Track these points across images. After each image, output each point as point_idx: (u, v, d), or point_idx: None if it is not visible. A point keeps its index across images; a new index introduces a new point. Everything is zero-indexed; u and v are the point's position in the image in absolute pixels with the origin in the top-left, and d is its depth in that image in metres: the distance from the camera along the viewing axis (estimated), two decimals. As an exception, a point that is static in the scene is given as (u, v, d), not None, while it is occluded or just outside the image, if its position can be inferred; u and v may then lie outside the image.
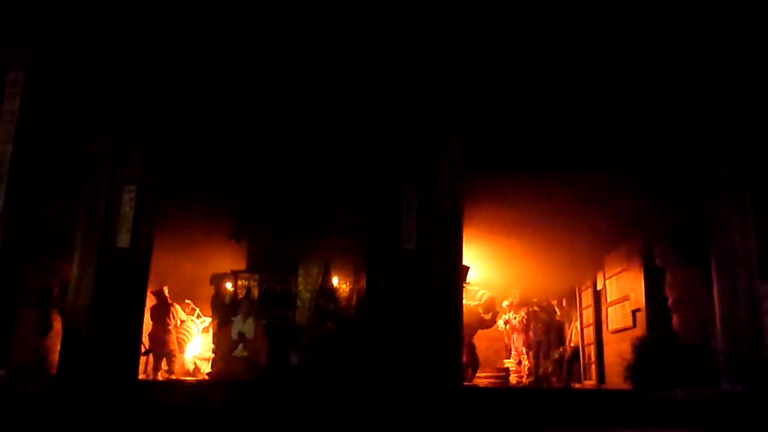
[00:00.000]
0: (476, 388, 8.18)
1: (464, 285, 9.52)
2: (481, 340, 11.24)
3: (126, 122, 6.92)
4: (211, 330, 10.34)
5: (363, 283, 9.27)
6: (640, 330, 8.50)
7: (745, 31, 5.93)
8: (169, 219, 7.59)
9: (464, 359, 9.65)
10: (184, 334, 10.06)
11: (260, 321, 8.60)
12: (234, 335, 8.18)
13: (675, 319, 7.46)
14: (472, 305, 9.98)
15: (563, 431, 5.53)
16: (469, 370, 9.72)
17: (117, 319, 6.68)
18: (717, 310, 6.38)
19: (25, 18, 6.32)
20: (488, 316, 10.01)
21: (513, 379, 10.53)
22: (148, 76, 6.81)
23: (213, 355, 9.28)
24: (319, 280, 9.58)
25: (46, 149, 6.72)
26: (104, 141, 6.87)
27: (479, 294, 10.24)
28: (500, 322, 11.18)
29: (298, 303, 9.60)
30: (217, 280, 9.79)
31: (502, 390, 8.72)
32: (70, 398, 6.09)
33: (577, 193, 7.91)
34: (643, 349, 7.62)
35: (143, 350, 9.21)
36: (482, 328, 10.24)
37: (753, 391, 5.92)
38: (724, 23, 5.86)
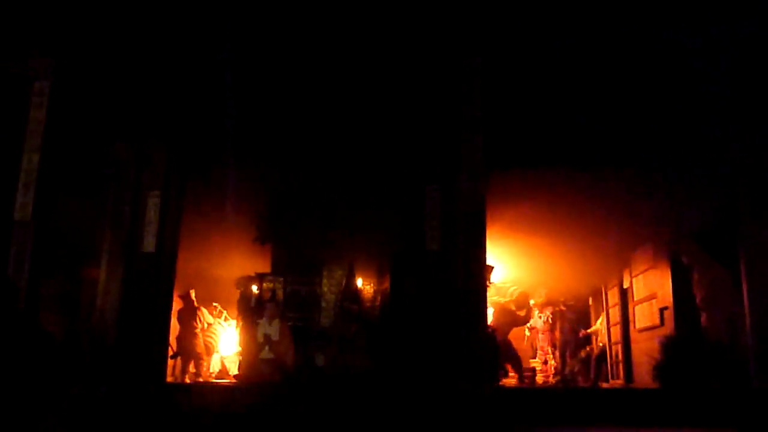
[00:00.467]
0: (502, 388, 8.13)
1: (489, 284, 9.52)
2: (505, 339, 11.19)
3: (150, 128, 7.01)
4: (237, 332, 10.42)
5: (387, 285, 9.29)
6: (668, 328, 8.39)
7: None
8: (194, 223, 7.66)
9: (501, 357, 9.62)
10: (211, 337, 10.13)
11: (285, 323, 8.64)
12: (260, 337, 8.23)
13: (703, 318, 7.35)
14: (503, 302, 9.91)
15: (590, 430, 5.47)
16: (508, 366, 9.64)
17: (144, 322, 6.77)
18: (746, 307, 6.28)
19: (49, 29, 6.42)
20: (522, 312, 9.87)
21: (539, 378, 10.43)
22: (171, 81, 6.88)
23: (240, 358, 9.35)
24: (344, 282, 9.61)
25: (72, 156, 6.82)
26: (129, 147, 6.97)
27: (510, 290, 10.14)
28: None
29: (323, 305, 9.63)
30: (243, 282, 9.86)
31: (529, 389, 8.66)
32: (98, 401, 6.19)
33: (602, 191, 7.83)
34: (671, 347, 7.51)
35: (171, 353, 9.32)
36: (516, 325, 10.08)
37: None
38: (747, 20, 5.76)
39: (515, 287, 10.06)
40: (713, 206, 7.37)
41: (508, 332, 9.71)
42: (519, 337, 11.38)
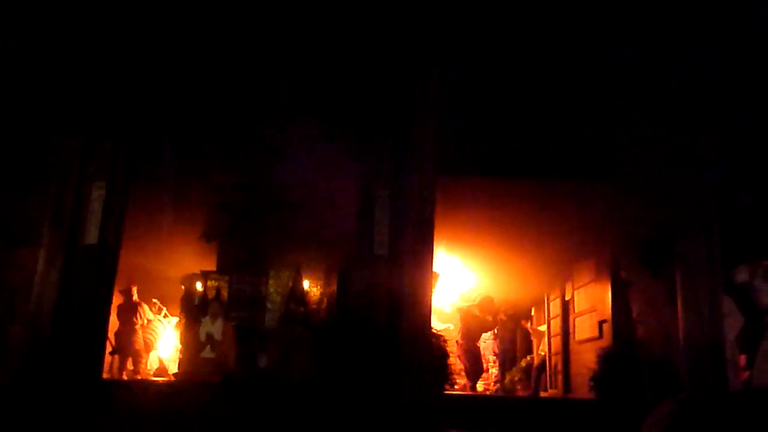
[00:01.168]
0: (443, 395, 8.18)
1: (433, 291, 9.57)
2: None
3: (96, 119, 6.83)
4: (178, 330, 10.25)
5: (334, 288, 9.27)
6: (606, 341, 8.61)
7: (715, 51, 6.06)
8: (138, 217, 7.50)
9: (465, 365, 9.65)
10: (150, 334, 9.95)
11: (229, 323, 8.55)
12: (202, 336, 8.13)
13: (640, 331, 7.57)
14: (466, 306, 9.88)
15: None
16: (470, 377, 9.66)
17: (83, 316, 6.58)
18: (681, 323, 6.50)
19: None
20: (489, 317, 9.81)
21: (480, 387, 10.57)
22: (119, 72, 6.74)
23: (180, 356, 9.21)
24: (290, 284, 9.55)
25: (13, 146, 6.62)
26: (74, 137, 6.78)
27: (473, 296, 10.13)
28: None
29: (269, 306, 9.53)
30: (187, 280, 9.71)
31: (468, 397, 8.76)
32: (31, 397, 6.00)
33: (548, 204, 8.00)
34: (607, 359, 7.72)
35: (110, 350, 9.11)
36: (484, 330, 10.01)
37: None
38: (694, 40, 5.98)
39: (479, 292, 10.03)
40: (653, 224, 7.62)
41: (476, 338, 9.67)
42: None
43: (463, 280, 10.52)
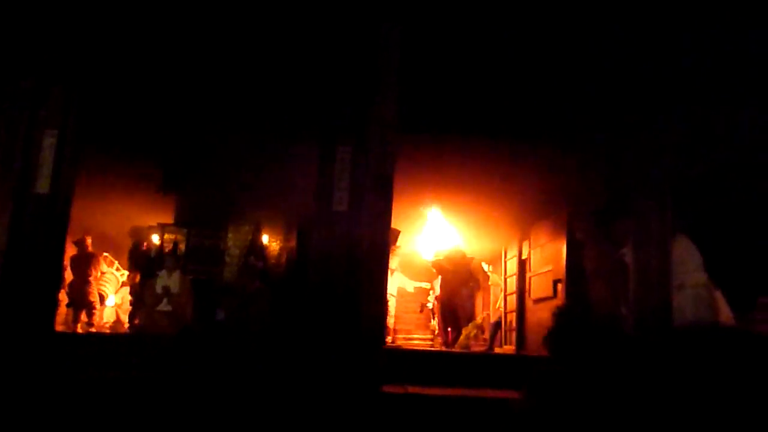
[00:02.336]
0: (398, 350, 8.32)
1: (395, 247, 9.61)
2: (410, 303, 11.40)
3: (48, 63, 6.58)
4: (129, 283, 10.17)
5: (293, 243, 9.26)
6: (560, 300, 8.82)
7: (677, 34, 6.09)
8: (92, 167, 7.32)
9: (439, 321, 9.66)
10: (104, 286, 9.83)
11: (186, 276, 8.49)
12: (159, 289, 8.06)
13: (591, 291, 7.75)
14: (435, 260, 9.83)
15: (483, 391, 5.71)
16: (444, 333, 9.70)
17: (34, 268, 6.44)
18: (630, 284, 6.66)
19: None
20: (462, 270, 9.49)
21: (437, 342, 10.75)
22: (73, 14, 6.48)
23: (130, 308, 9.16)
24: (249, 238, 9.51)
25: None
26: (24, 82, 6.53)
27: (444, 250, 9.83)
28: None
29: (227, 259, 9.52)
30: (135, 233, 9.58)
31: (424, 352, 8.91)
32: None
33: (507, 163, 8.07)
34: (558, 317, 7.89)
35: (66, 302, 8.98)
36: (463, 285, 9.67)
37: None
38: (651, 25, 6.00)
39: (450, 246, 9.86)
40: (608, 186, 7.75)
41: (453, 293, 9.47)
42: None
43: (441, 237, 10.40)
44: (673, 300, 6.29)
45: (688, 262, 6.49)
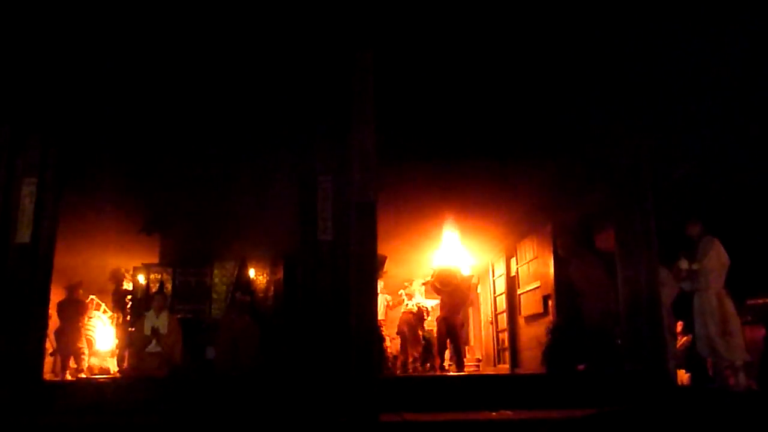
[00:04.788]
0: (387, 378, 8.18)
1: (382, 273, 9.56)
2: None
3: (24, 111, 6.57)
4: (114, 327, 10.09)
5: (280, 275, 9.21)
6: (551, 316, 8.82)
7: (654, 27, 6.16)
8: (73, 212, 7.28)
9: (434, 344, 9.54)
10: (91, 331, 9.72)
11: (174, 315, 8.41)
12: (147, 330, 7.96)
13: (582, 305, 7.76)
14: (424, 281, 9.73)
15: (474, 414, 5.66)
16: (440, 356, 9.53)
17: (19, 318, 6.37)
18: (619, 294, 6.69)
19: None
20: (447, 288, 9.14)
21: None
22: (48, 64, 6.48)
23: (116, 352, 9.03)
24: (235, 273, 9.45)
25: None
26: (1, 131, 6.51)
27: (433, 271, 9.51)
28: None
29: (214, 296, 9.44)
30: (116, 275, 9.50)
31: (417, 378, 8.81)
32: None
33: (490, 183, 8.10)
34: (551, 333, 7.91)
35: (50, 351, 8.85)
36: (462, 302, 9.59)
37: (652, 371, 6.26)
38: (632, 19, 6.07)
39: (437, 267, 9.54)
40: (590, 199, 7.81)
41: (451, 312, 9.24)
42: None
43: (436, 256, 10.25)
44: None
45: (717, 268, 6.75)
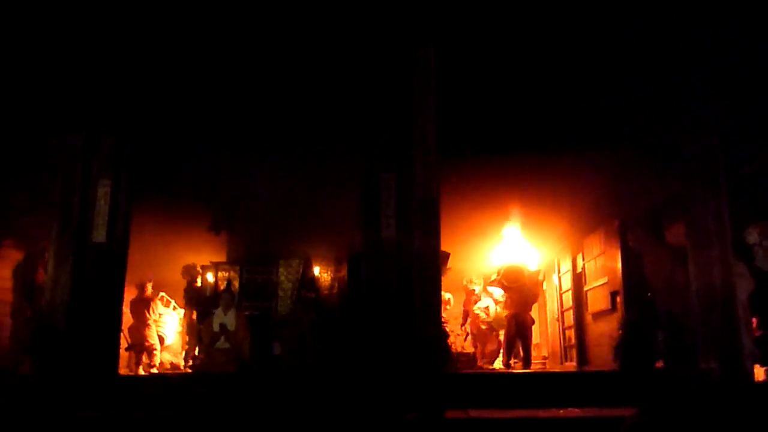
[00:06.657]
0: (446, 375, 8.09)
1: (446, 269, 9.51)
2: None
3: (98, 115, 6.83)
4: (183, 323, 10.36)
5: (344, 272, 9.29)
6: (620, 312, 8.59)
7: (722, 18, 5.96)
8: (146, 212, 7.52)
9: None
10: (163, 327, 10.02)
11: (242, 313, 8.59)
12: (215, 327, 8.16)
13: (654, 301, 7.53)
14: (492, 279, 9.68)
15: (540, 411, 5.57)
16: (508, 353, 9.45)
17: (96, 315, 6.63)
18: (693, 288, 6.45)
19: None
20: (514, 285, 9.18)
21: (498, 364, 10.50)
22: (121, 67, 6.72)
23: (187, 348, 9.26)
24: (300, 270, 9.58)
25: (17, 147, 6.64)
26: (77, 135, 6.79)
27: (499, 268, 9.48)
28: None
29: (280, 293, 9.58)
30: (188, 270, 9.75)
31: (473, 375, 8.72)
32: (50, 395, 6.06)
33: (554, 177, 7.95)
34: (624, 329, 7.68)
35: (126, 345, 9.18)
36: (532, 300, 9.54)
37: (728, 369, 6.02)
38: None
39: (503, 265, 9.53)
40: (660, 190, 7.56)
41: (520, 310, 9.20)
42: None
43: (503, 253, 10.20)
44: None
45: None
